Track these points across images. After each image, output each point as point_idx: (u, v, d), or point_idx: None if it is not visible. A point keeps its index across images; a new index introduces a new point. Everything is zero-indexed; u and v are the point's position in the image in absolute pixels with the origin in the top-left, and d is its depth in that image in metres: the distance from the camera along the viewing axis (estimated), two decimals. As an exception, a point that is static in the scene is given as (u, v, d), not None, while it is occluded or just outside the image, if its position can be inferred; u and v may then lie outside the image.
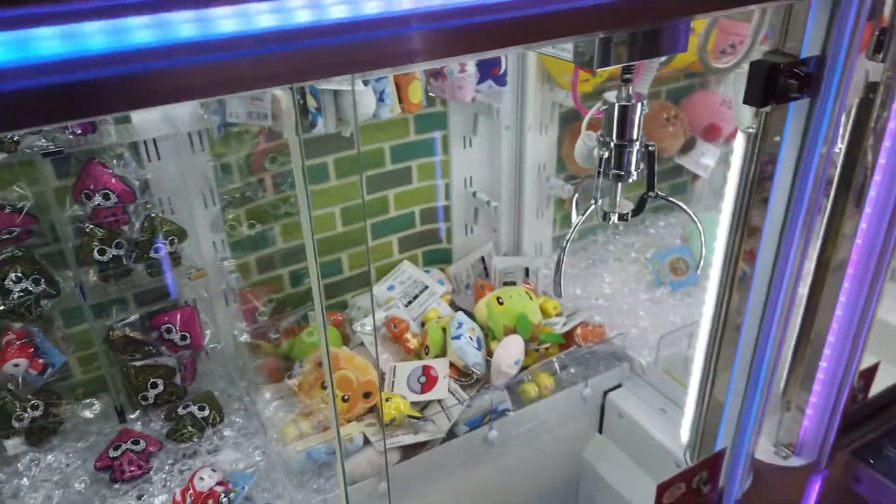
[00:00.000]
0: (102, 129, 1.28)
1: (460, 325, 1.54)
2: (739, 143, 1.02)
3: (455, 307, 1.77)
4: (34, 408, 1.40)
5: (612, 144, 1.08)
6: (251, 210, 1.61)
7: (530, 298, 1.61)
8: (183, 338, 1.51)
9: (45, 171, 1.30)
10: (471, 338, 1.52)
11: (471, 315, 1.63)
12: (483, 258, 1.90)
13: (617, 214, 1.15)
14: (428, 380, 1.47)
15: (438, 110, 1.73)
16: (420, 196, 1.84)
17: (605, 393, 1.59)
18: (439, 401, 1.43)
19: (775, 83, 0.86)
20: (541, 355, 1.55)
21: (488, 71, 1.59)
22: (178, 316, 1.51)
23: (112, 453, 1.36)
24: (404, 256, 1.90)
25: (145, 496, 1.32)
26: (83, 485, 1.34)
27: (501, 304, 1.59)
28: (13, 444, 1.40)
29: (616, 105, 1.05)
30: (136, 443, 1.39)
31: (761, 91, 0.86)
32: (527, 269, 1.84)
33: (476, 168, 1.83)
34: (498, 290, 1.65)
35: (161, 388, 1.49)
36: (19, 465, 1.38)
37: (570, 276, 1.94)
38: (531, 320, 1.57)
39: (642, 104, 1.07)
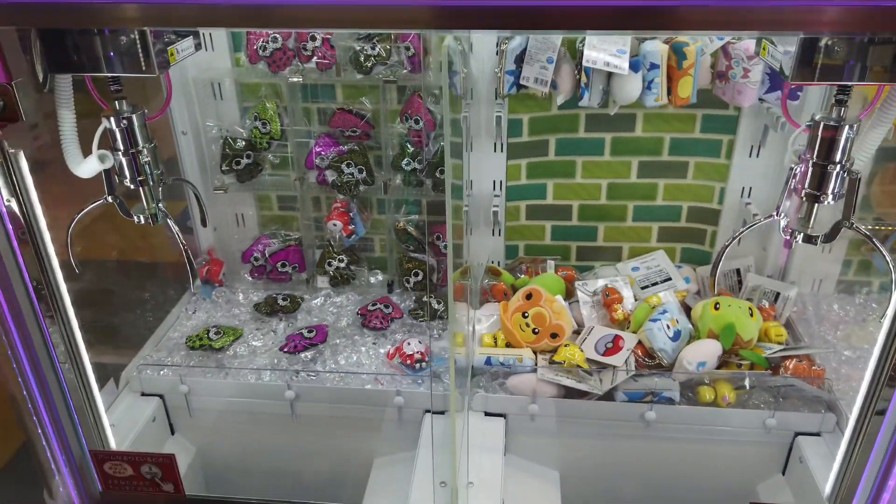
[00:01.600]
0: (426, 71, 1.71)
1: (664, 311, 1.61)
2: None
3: (686, 306, 1.81)
4: (340, 260, 1.96)
5: (810, 162, 1.08)
6: (533, 164, 1.90)
7: (751, 315, 1.58)
8: (446, 247, 1.91)
9: (387, 95, 1.78)
10: (668, 326, 1.58)
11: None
12: (739, 270, 1.88)
13: (803, 235, 1.14)
14: (614, 347, 1.60)
15: (731, 114, 1.76)
16: (692, 193, 1.89)
17: (797, 434, 1.49)
18: (614, 367, 1.55)
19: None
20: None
21: (780, 81, 1.57)
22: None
23: (370, 307, 1.85)
24: (662, 246, 1.98)
25: (378, 342, 1.77)
26: (346, 322, 1.86)
27: (717, 309, 1.60)
28: (321, 281, 1.99)
29: (821, 123, 1.06)
30: (386, 307, 1.85)
31: None
32: (777, 294, 1.76)
33: (758, 180, 1.80)
34: (723, 297, 1.65)
35: (420, 277, 1.93)
36: (321, 297, 1.96)
37: (834, 321, 1.78)
38: (740, 334, 1.55)
39: (852, 128, 1.05)
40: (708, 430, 1.51)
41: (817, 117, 1.05)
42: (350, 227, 1.90)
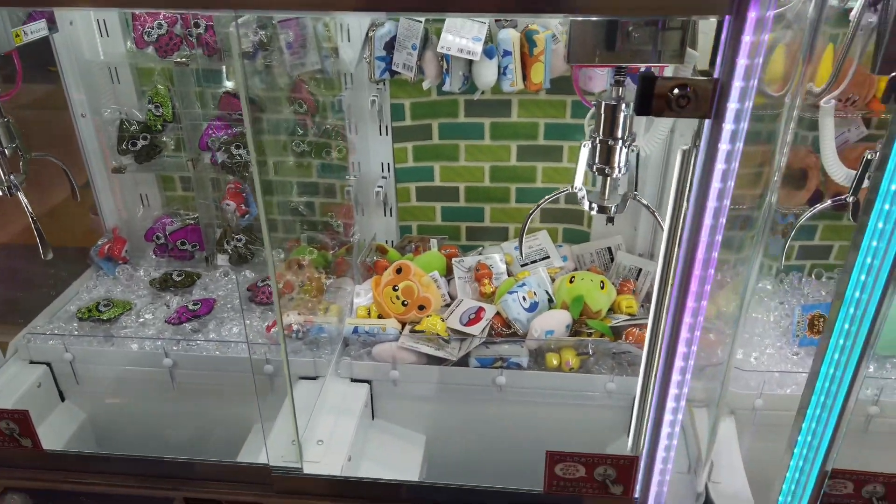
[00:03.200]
0: (311, 57, 1.80)
1: (523, 285, 1.71)
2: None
3: (559, 281, 1.92)
4: (238, 240, 2.05)
5: (597, 140, 1.18)
6: (419, 147, 2.00)
7: (601, 288, 1.69)
8: (338, 226, 2.00)
9: (276, 81, 1.87)
10: (525, 298, 1.69)
11: (552, 286, 1.78)
12: (610, 249, 1.98)
13: (598, 207, 1.25)
14: (476, 318, 1.70)
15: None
16: (568, 176, 1.99)
17: (636, 398, 1.60)
18: (470, 336, 1.66)
19: (650, 96, 0.90)
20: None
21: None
22: (341, 210, 2.00)
23: (259, 284, 1.94)
24: (545, 226, 2.09)
25: (264, 316, 1.86)
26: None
27: (572, 282, 1.71)
28: (221, 259, 2.08)
29: (603, 104, 1.16)
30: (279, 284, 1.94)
31: (639, 102, 0.91)
32: (639, 270, 1.88)
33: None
34: (579, 272, 1.76)
35: (316, 255, 2.02)
36: (219, 273, 2.05)
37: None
38: (589, 305, 1.66)
39: (629, 106, 1.15)
40: (555, 394, 1.62)
41: (601, 98, 1.16)
42: (244, 208, 1.99)
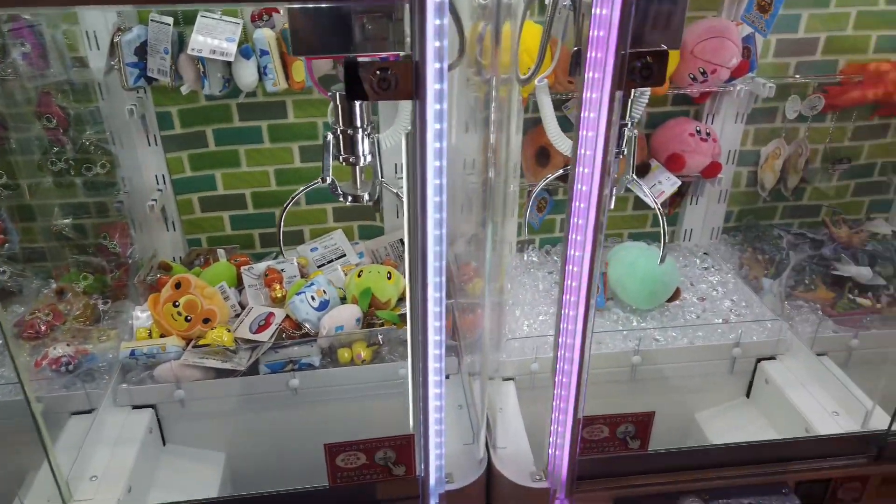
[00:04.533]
0: (55, 67, 1.66)
1: (312, 284, 1.70)
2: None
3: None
4: (3, 272, 1.85)
5: (338, 131, 1.18)
6: (194, 156, 1.92)
7: (389, 278, 1.72)
8: (114, 246, 1.87)
9: (15, 94, 1.71)
10: (313, 297, 1.68)
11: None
12: (402, 240, 2.02)
13: (351, 196, 1.25)
14: (265, 324, 1.66)
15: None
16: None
17: (429, 381, 1.64)
18: (259, 342, 1.62)
19: (356, 81, 0.92)
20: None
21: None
22: (115, 229, 1.87)
23: (27, 317, 1.76)
24: (340, 225, 2.09)
25: (33, 351, 1.70)
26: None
27: (360, 276, 1.72)
28: (-19, 295, 1.87)
29: (338, 94, 1.16)
30: (47, 314, 1.77)
31: (347, 88, 0.93)
32: (430, 258, 1.93)
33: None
34: (367, 265, 1.78)
35: (90, 280, 1.87)
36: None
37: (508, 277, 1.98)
38: (377, 297, 1.68)
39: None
40: (351, 388, 1.62)
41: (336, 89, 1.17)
42: (2, 237, 1.80)
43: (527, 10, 1.16)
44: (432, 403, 1.19)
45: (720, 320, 1.76)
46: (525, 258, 1.99)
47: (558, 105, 1.68)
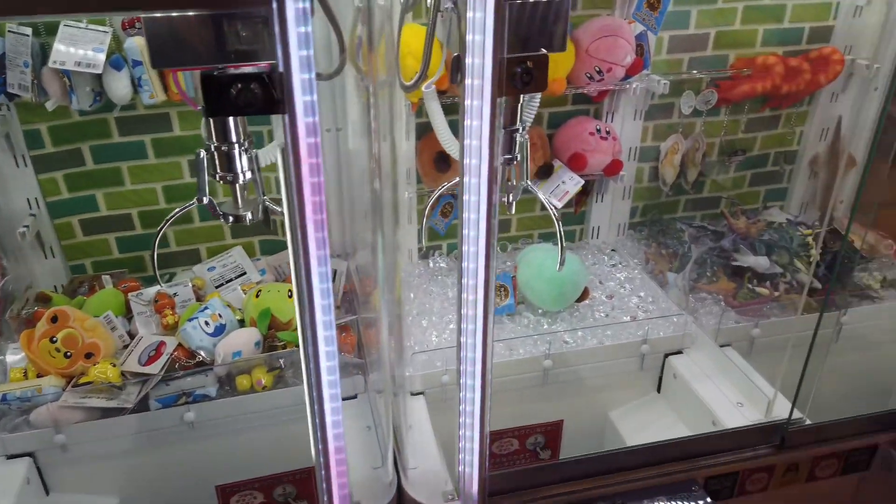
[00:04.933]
0: None
1: (205, 309, 1.59)
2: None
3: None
4: None
5: (212, 147, 1.09)
6: (70, 175, 1.77)
7: (290, 296, 1.63)
8: (-22, 279, 1.70)
9: None
10: (208, 322, 1.57)
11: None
12: (306, 254, 1.94)
13: (232, 217, 1.17)
14: (156, 355, 1.54)
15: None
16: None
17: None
18: (148, 376, 1.50)
19: (216, 95, 0.84)
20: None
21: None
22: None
23: None
24: (239, 242, 1.98)
25: None
26: None
27: (258, 296, 1.63)
28: None
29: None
30: None
31: (205, 104, 0.85)
32: (335, 272, 1.85)
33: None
34: (267, 284, 1.69)
35: (-47, 319, 1.69)
36: None
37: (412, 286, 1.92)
38: (278, 317, 1.60)
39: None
40: (253, 416, 1.53)
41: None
42: None
43: (405, 12, 1.11)
44: (331, 432, 1.12)
45: (628, 318, 1.76)
46: (431, 265, 1.94)
47: (455, 109, 1.63)
